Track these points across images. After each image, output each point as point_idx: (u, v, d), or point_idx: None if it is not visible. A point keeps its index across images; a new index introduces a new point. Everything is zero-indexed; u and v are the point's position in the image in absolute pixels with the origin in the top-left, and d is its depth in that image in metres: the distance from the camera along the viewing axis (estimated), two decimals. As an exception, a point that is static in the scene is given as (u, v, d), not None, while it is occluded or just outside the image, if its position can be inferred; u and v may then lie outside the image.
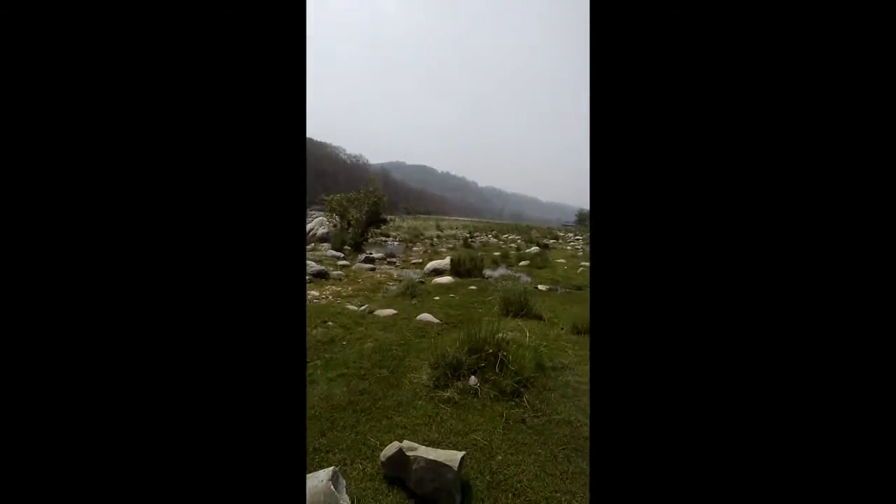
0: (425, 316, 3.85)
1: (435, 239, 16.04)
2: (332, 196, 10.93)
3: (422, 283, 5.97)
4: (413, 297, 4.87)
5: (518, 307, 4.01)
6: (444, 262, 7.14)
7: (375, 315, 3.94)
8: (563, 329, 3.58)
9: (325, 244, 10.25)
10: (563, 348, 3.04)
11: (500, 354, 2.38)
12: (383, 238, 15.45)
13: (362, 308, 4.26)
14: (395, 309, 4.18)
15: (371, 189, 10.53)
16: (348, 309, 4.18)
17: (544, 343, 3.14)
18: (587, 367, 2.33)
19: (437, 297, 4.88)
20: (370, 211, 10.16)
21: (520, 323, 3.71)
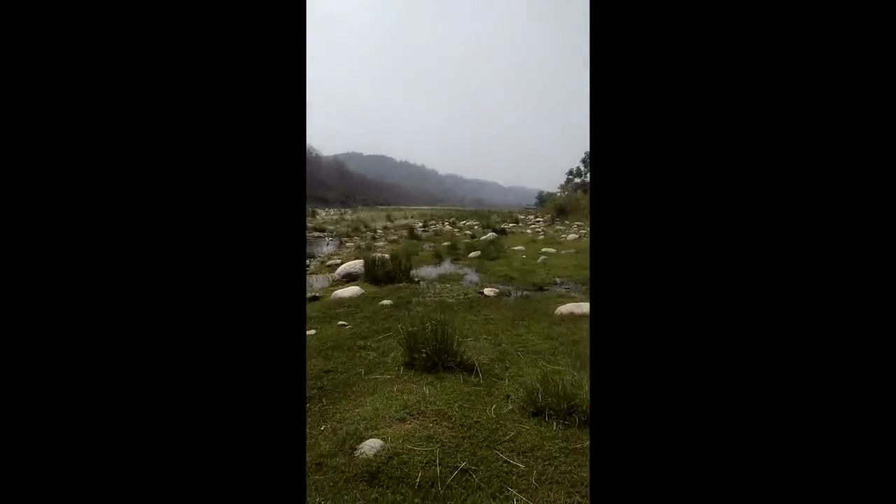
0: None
1: (379, 231, 13.99)
2: None
3: (316, 298, 4.07)
4: (275, 332, 2.97)
5: (433, 351, 2.22)
6: (360, 263, 5.25)
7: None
8: (509, 399, 1.83)
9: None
10: (500, 482, 1.28)
11: None
12: (317, 234, 13.23)
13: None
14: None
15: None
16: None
17: (461, 459, 1.38)
18: None
19: (313, 330, 3.00)
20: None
21: (427, 393, 1.92)
